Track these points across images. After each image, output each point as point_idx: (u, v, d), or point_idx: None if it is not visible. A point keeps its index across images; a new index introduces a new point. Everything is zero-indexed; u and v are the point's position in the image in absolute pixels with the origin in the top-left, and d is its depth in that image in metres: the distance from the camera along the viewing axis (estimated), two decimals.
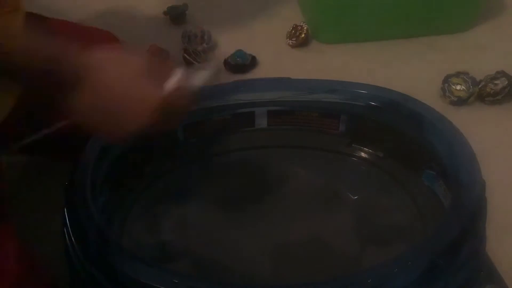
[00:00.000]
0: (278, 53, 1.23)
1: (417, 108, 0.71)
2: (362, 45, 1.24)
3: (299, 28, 1.24)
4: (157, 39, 1.23)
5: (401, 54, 1.22)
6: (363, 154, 0.78)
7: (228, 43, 1.25)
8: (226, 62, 1.17)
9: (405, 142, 0.73)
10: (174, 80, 0.61)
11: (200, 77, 0.63)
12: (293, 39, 1.24)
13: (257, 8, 1.39)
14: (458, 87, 1.05)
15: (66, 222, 0.58)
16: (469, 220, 0.56)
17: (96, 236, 0.55)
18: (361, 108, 0.76)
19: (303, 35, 1.23)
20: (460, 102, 1.05)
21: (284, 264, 0.67)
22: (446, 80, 1.07)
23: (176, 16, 1.32)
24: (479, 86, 1.06)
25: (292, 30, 1.24)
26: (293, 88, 0.79)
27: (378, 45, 1.24)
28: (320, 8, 1.24)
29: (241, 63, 1.16)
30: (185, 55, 1.18)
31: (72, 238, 0.57)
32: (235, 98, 0.79)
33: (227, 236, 0.70)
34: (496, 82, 1.05)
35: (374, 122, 0.76)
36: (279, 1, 1.41)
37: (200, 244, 0.69)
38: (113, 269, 0.53)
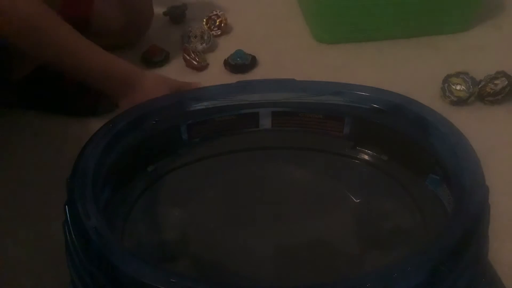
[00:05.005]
0: (278, 53, 1.23)
1: (422, 111, 0.71)
2: (362, 45, 1.24)
3: (215, 16, 1.28)
4: (157, 39, 1.23)
5: (401, 54, 1.22)
6: (366, 157, 0.78)
7: (228, 43, 1.25)
8: (226, 62, 1.18)
9: (409, 146, 0.73)
10: None
11: None
12: (215, 30, 1.28)
13: (257, 8, 1.39)
14: (458, 87, 1.06)
15: (67, 220, 0.58)
16: (472, 226, 0.56)
17: (96, 235, 0.55)
18: (366, 111, 0.76)
19: (223, 23, 1.28)
20: (460, 102, 1.05)
21: (284, 266, 0.67)
22: (446, 80, 1.07)
23: (176, 16, 1.32)
24: (479, 86, 1.06)
25: (208, 21, 1.29)
26: (297, 89, 0.79)
27: (378, 45, 1.24)
28: (320, 8, 1.24)
29: (241, 63, 1.16)
30: (185, 55, 1.18)
31: (73, 237, 0.56)
32: (240, 99, 0.79)
33: (228, 237, 0.70)
34: (496, 82, 1.05)
35: (379, 125, 0.75)
36: (279, 1, 1.41)
37: (201, 245, 0.69)
38: (113, 269, 0.52)
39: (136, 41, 1.22)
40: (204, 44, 1.22)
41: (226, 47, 1.23)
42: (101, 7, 1.09)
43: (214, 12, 1.29)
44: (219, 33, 1.28)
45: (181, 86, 0.93)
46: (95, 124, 0.73)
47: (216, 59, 1.20)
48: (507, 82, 1.04)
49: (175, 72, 1.16)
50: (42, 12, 0.82)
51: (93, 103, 1.01)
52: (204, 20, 1.29)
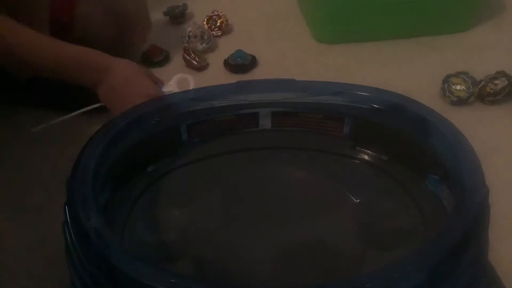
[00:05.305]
0: (278, 53, 1.23)
1: (422, 111, 0.71)
2: (362, 45, 1.24)
3: (216, 16, 1.28)
4: (157, 39, 1.23)
5: (401, 54, 1.22)
6: (366, 157, 0.78)
7: (228, 43, 1.25)
8: (226, 62, 1.18)
9: (409, 146, 0.73)
10: (173, 83, 0.95)
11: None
12: (216, 30, 1.27)
13: (257, 8, 1.39)
14: (458, 87, 1.06)
15: (67, 220, 0.58)
16: (471, 226, 0.56)
17: (96, 235, 0.55)
18: (366, 111, 0.76)
19: (224, 24, 1.28)
20: (460, 102, 1.05)
21: (284, 266, 0.67)
22: (446, 80, 1.07)
23: (176, 16, 1.32)
24: (479, 86, 1.06)
25: (209, 20, 1.29)
26: (297, 89, 0.79)
27: (378, 45, 1.24)
28: (320, 8, 1.24)
29: (241, 63, 1.16)
30: (185, 55, 1.18)
31: (73, 237, 0.56)
32: (240, 99, 0.79)
33: (228, 237, 0.70)
34: (496, 82, 1.05)
35: (379, 125, 0.76)
36: (279, 1, 1.41)
37: (201, 245, 0.69)
38: (113, 269, 0.52)
39: (131, 51, 1.19)
40: (204, 44, 1.22)
41: (226, 47, 1.23)
42: (85, 12, 1.08)
43: (215, 12, 1.29)
44: (219, 33, 1.28)
45: (150, 73, 0.97)
46: (95, 124, 0.73)
47: (216, 59, 1.20)
48: (507, 82, 1.04)
49: (175, 72, 1.16)
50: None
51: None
52: (205, 19, 1.29)
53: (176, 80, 0.96)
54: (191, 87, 0.97)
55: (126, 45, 1.15)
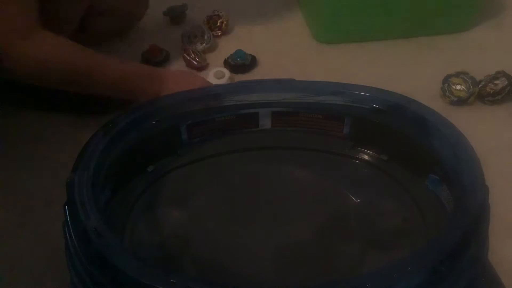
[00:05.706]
0: (278, 53, 1.23)
1: (422, 111, 0.71)
2: (362, 45, 1.24)
3: (216, 16, 1.28)
4: (157, 39, 1.23)
5: (401, 54, 1.22)
6: (366, 157, 0.78)
7: (228, 43, 1.25)
8: (226, 62, 1.18)
9: (409, 146, 0.73)
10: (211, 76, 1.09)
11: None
12: (216, 30, 1.27)
13: (257, 8, 1.39)
14: (458, 87, 1.05)
15: (67, 220, 0.58)
16: (471, 226, 0.56)
17: (96, 235, 0.55)
18: (366, 111, 0.76)
19: (224, 24, 1.27)
20: (460, 102, 1.05)
21: (284, 266, 0.67)
22: (446, 80, 1.07)
23: (176, 16, 1.32)
24: (479, 86, 1.06)
25: (209, 21, 1.28)
26: (297, 89, 0.79)
27: (378, 45, 1.24)
28: (320, 8, 1.24)
29: (241, 63, 1.16)
30: (185, 55, 1.18)
31: (73, 237, 0.57)
32: (240, 99, 0.79)
33: (228, 237, 0.70)
34: (496, 82, 1.05)
35: (378, 125, 0.76)
36: (279, 1, 1.41)
37: (201, 245, 0.69)
38: (113, 269, 0.52)
39: (133, 26, 1.26)
40: (204, 44, 1.22)
41: (226, 47, 1.23)
42: None
43: (215, 12, 1.29)
44: (219, 33, 1.28)
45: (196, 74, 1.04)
46: (95, 124, 0.73)
47: (216, 59, 1.20)
48: (507, 82, 1.04)
49: None
50: (75, 52, 0.87)
51: (104, 100, 1.01)
52: (205, 19, 1.29)
53: (213, 72, 1.11)
54: (226, 77, 1.10)
55: (133, 18, 1.23)
